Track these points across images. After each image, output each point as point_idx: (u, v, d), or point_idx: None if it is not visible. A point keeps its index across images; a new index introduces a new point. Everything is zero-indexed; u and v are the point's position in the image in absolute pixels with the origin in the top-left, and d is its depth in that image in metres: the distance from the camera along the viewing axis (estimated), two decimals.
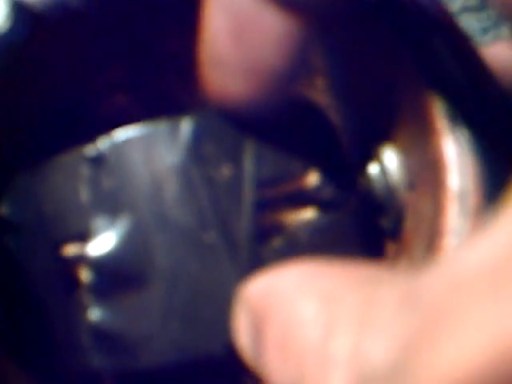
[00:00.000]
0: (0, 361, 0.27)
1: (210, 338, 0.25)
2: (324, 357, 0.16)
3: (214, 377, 0.26)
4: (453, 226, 0.26)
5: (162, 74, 0.29)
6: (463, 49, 0.27)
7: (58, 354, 0.26)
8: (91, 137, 0.26)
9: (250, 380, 0.25)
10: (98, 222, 0.25)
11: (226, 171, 0.25)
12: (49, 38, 0.27)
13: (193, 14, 0.25)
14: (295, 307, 0.18)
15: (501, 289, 0.13)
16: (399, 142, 0.28)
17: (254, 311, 0.20)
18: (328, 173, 0.27)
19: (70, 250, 0.26)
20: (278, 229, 0.26)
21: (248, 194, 0.25)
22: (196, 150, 0.25)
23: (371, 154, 0.29)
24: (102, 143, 0.26)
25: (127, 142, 0.26)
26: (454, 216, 0.26)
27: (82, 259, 0.26)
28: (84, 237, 0.26)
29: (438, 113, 0.27)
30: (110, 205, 0.25)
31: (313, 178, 0.26)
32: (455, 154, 0.26)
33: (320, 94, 0.29)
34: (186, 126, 0.26)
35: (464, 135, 0.26)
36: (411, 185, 0.28)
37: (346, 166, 0.28)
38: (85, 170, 0.26)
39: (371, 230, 0.29)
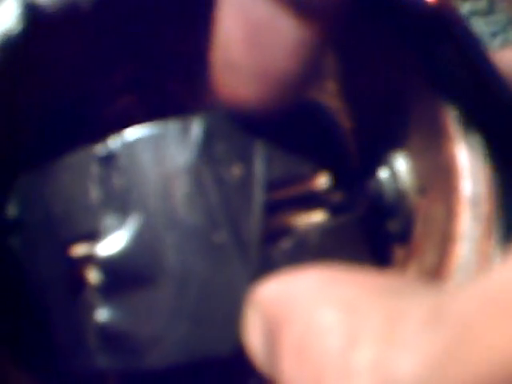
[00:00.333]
0: (3, 361, 0.26)
1: (218, 340, 0.25)
2: (345, 368, 0.16)
3: (221, 379, 0.26)
4: (465, 232, 0.26)
5: (167, 76, 0.29)
6: (475, 54, 0.27)
7: (64, 355, 0.26)
8: (99, 137, 0.26)
9: (258, 383, 0.25)
10: (108, 221, 0.25)
11: (236, 171, 0.25)
12: (56, 39, 0.27)
13: (201, 16, 0.25)
14: (314, 314, 0.17)
15: None
16: (411, 147, 0.28)
17: (268, 316, 0.20)
18: (338, 176, 0.27)
19: (79, 250, 0.26)
20: (288, 230, 0.26)
21: (258, 194, 0.25)
22: (206, 150, 0.25)
23: (382, 159, 0.29)
24: (113, 142, 0.26)
25: (137, 142, 0.26)
26: (467, 221, 0.26)
27: (90, 259, 0.26)
28: (93, 236, 0.25)
29: (451, 118, 0.27)
30: (120, 204, 0.25)
31: (322, 181, 0.26)
32: (468, 160, 0.26)
33: (331, 97, 0.29)
34: (196, 125, 0.25)
35: (476, 141, 0.26)
36: (422, 190, 0.28)
37: (355, 170, 0.28)
38: (94, 169, 0.26)
39: (380, 233, 0.28)
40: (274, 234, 0.26)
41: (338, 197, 0.27)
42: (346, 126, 0.29)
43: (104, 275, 0.25)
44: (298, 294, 0.19)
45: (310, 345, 0.17)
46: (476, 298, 0.14)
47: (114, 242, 0.25)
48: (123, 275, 0.25)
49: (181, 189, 0.25)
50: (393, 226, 0.29)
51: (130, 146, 0.26)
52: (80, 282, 0.26)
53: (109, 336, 0.25)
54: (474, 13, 0.44)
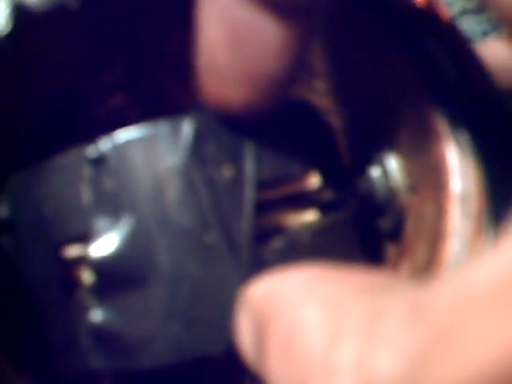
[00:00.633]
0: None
1: (211, 340, 0.25)
2: (328, 365, 0.16)
3: (214, 379, 0.26)
4: (455, 229, 0.26)
5: (160, 75, 0.29)
6: (462, 53, 0.27)
7: (58, 356, 0.26)
8: (91, 137, 0.26)
9: (251, 382, 0.25)
10: (100, 222, 0.25)
11: (226, 172, 0.25)
12: (46, 39, 0.27)
13: (192, 15, 0.25)
14: (299, 312, 0.17)
15: (508, 305, 0.13)
16: (401, 145, 0.28)
17: (257, 314, 0.20)
18: (328, 175, 0.27)
19: (71, 251, 0.26)
20: (279, 230, 0.26)
21: (248, 194, 0.25)
22: (196, 151, 0.25)
23: (373, 158, 0.29)
24: (103, 144, 0.26)
25: (128, 143, 0.26)
26: (457, 219, 0.26)
27: (83, 261, 0.26)
28: (85, 238, 0.25)
29: (439, 117, 0.27)
30: (112, 206, 0.25)
31: (313, 181, 0.26)
32: (457, 158, 0.26)
33: (320, 97, 0.29)
34: (186, 127, 0.26)
35: (465, 139, 0.26)
36: (413, 188, 0.28)
37: (346, 169, 0.28)
38: (86, 171, 0.26)
39: (371, 231, 0.29)
40: (265, 234, 0.26)
41: (328, 196, 0.27)
42: (336, 126, 0.29)
43: (97, 276, 0.25)
44: (285, 292, 0.19)
45: (295, 342, 0.17)
46: (456, 294, 0.14)
47: (106, 244, 0.25)
48: (116, 276, 0.25)
49: (172, 190, 0.25)
50: (384, 224, 0.29)
51: (120, 148, 0.26)
52: (73, 283, 0.26)
53: (102, 336, 0.25)
54: (465, 11, 0.44)
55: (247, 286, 0.21)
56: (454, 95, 0.27)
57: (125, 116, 0.29)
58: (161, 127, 0.26)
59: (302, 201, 0.26)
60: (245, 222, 0.25)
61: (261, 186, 0.26)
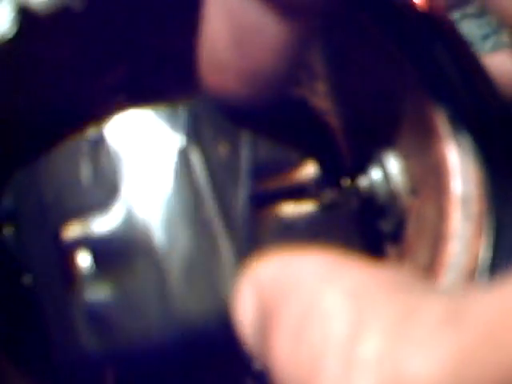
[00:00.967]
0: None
1: (204, 313, 0.25)
2: (347, 356, 0.15)
3: (210, 356, 0.26)
4: (456, 231, 0.26)
5: (160, 76, 0.29)
6: (464, 56, 0.27)
7: (57, 345, 0.26)
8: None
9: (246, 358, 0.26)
10: (97, 200, 0.26)
11: (222, 149, 0.26)
12: (49, 41, 0.27)
13: (193, 15, 0.25)
14: (318, 297, 0.17)
15: None
16: (402, 147, 0.28)
17: (265, 295, 0.19)
18: (325, 168, 0.27)
19: (70, 232, 0.26)
20: (276, 218, 0.26)
21: (244, 172, 0.26)
22: (194, 131, 0.26)
23: (373, 159, 0.29)
24: (103, 126, 0.26)
25: (127, 125, 0.26)
26: (458, 221, 0.26)
27: (81, 242, 0.26)
28: (84, 217, 0.26)
29: (441, 119, 0.27)
30: (109, 183, 0.26)
31: (309, 170, 0.27)
32: (458, 160, 0.27)
33: (321, 98, 0.29)
34: (184, 111, 0.26)
35: (466, 141, 0.27)
36: (414, 190, 0.28)
37: (345, 165, 0.29)
38: (85, 153, 0.26)
39: (372, 233, 0.29)
40: (260, 214, 0.26)
41: (329, 194, 0.27)
42: (336, 126, 0.29)
43: (93, 254, 0.25)
44: (300, 276, 0.18)
45: (310, 328, 0.16)
46: (498, 304, 0.14)
47: (103, 221, 0.26)
48: (112, 253, 0.25)
49: (168, 166, 0.26)
50: (385, 225, 0.29)
51: (119, 130, 0.26)
52: (72, 271, 0.26)
53: (97, 316, 0.25)
54: (466, 15, 0.44)
55: (250, 265, 0.20)
56: (456, 97, 0.27)
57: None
58: (160, 111, 0.26)
59: (298, 191, 0.27)
60: (240, 198, 0.26)
61: (256, 172, 0.26)
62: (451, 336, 0.14)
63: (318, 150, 0.27)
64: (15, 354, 0.27)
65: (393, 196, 0.28)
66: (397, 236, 0.29)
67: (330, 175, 0.27)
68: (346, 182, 0.28)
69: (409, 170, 0.28)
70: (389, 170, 0.29)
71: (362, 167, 0.29)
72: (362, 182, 0.29)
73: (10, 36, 0.27)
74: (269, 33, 0.23)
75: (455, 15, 0.43)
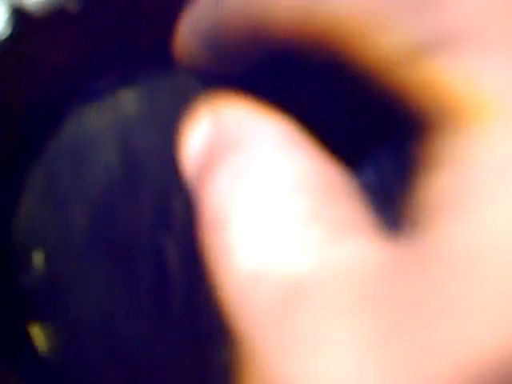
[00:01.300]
0: None
1: None
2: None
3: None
4: None
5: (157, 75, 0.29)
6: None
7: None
8: None
9: None
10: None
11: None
12: (44, 42, 0.28)
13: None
14: (257, 163, 0.17)
15: None
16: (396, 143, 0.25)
17: (220, 138, 0.19)
18: None
19: None
20: None
21: None
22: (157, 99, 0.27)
23: (367, 156, 0.25)
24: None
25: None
26: None
27: None
28: None
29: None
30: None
31: None
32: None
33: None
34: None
35: None
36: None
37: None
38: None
39: None
40: None
41: None
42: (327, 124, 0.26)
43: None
44: (257, 140, 0.18)
45: (239, 187, 0.17)
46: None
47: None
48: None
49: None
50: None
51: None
52: None
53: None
54: None
55: (214, 101, 0.20)
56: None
57: None
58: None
59: None
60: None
61: None
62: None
63: None
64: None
65: (386, 192, 0.24)
66: None
67: None
68: None
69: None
70: (382, 166, 0.25)
71: (354, 163, 0.25)
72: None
73: (5, 37, 0.27)
74: None
75: None
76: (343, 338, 0.14)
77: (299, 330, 0.14)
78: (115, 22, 0.28)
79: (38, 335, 0.26)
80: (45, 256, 0.27)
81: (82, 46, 0.28)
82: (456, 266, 0.14)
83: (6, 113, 0.28)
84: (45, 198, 0.27)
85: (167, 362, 0.26)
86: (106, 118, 0.27)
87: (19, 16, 0.27)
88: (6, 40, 0.27)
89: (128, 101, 0.27)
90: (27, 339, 0.26)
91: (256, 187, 0.16)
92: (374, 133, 0.26)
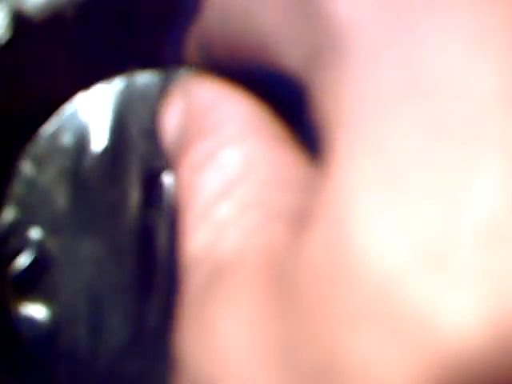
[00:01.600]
0: None
1: None
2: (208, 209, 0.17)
3: None
4: None
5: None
6: None
7: None
8: None
9: None
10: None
11: None
12: (44, 46, 0.28)
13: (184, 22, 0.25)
14: (220, 149, 0.18)
15: None
16: None
17: (192, 115, 0.19)
18: None
19: None
20: None
21: None
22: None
23: None
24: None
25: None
26: None
27: None
28: None
29: None
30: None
31: None
32: None
33: None
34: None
35: None
36: None
37: None
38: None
39: None
40: None
41: None
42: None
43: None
44: (223, 118, 0.18)
45: (203, 171, 0.18)
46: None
47: None
48: None
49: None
50: None
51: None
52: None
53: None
54: None
55: (187, 81, 0.21)
56: None
57: None
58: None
59: None
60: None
61: None
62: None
63: None
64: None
65: None
66: None
67: None
68: None
69: None
70: None
71: None
72: None
73: (4, 41, 0.27)
74: None
75: None
76: (241, 314, 0.15)
77: (207, 311, 0.15)
78: (114, 26, 0.28)
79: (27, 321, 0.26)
80: (34, 238, 0.26)
81: (81, 50, 0.28)
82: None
83: (3, 115, 0.27)
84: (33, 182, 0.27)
85: (152, 343, 0.26)
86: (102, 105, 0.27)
87: (18, 20, 0.27)
88: (5, 44, 0.27)
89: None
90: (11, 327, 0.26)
91: (214, 173, 0.17)
92: None
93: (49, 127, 0.28)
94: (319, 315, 0.14)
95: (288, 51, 0.17)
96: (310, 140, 0.18)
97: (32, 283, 0.26)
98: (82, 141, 0.27)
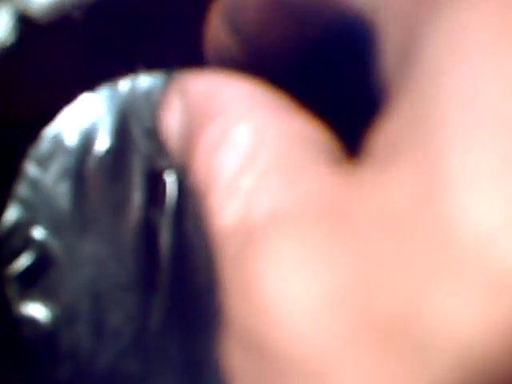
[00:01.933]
0: None
1: None
2: (232, 184, 0.17)
3: None
4: None
5: None
6: None
7: None
8: None
9: None
10: None
11: None
12: (49, 48, 0.28)
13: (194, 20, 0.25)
14: (231, 127, 0.18)
15: None
16: None
17: (194, 107, 0.19)
18: None
19: None
20: None
21: None
22: None
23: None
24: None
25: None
26: None
27: None
28: None
29: None
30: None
31: None
32: None
33: None
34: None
35: None
36: None
37: None
38: None
39: None
40: None
41: None
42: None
43: None
44: (226, 100, 0.18)
45: (220, 153, 0.17)
46: None
47: None
48: None
49: None
50: None
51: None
52: None
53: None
54: None
55: (179, 77, 0.21)
56: None
57: None
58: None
59: None
60: None
61: None
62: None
63: None
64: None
65: None
66: None
67: None
68: None
69: None
70: None
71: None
72: None
73: (10, 43, 0.27)
74: None
75: None
76: (293, 262, 0.15)
77: (251, 270, 0.15)
78: (120, 28, 0.28)
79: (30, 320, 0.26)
80: (37, 237, 0.26)
81: (87, 52, 0.28)
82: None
83: (8, 117, 0.28)
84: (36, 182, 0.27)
85: (154, 344, 0.25)
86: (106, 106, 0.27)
87: (24, 22, 0.27)
88: (10, 46, 0.27)
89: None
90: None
91: (230, 151, 0.17)
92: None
93: (53, 128, 0.28)
94: (397, 262, 0.14)
95: None
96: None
97: (34, 282, 0.26)
98: (85, 141, 0.27)
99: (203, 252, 0.26)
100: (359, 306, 0.14)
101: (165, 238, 0.26)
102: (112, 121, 0.27)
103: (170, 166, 0.26)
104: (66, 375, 0.25)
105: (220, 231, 0.17)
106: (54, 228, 0.26)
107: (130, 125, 0.27)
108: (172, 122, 0.20)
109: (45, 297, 0.26)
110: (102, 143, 0.27)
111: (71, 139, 0.27)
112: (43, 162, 0.27)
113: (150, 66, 0.28)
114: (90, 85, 0.28)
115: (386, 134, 0.15)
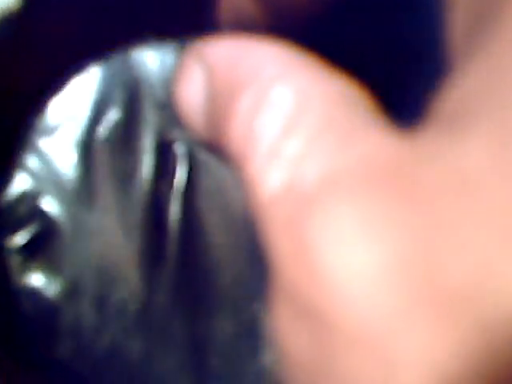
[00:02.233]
0: None
1: None
2: (275, 148, 0.16)
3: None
4: None
5: None
6: None
7: None
8: None
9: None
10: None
11: None
12: (55, 18, 0.27)
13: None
14: (270, 90, 0.17)
15: None
16: None
17: (219, 77, 0.18)
18: None
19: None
20: None
21: None
22: None
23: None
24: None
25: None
26: None
27: None
28: None
29: None
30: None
31: None
32: None
33: None
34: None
35: None
36: None
37: None
38: None
39: None
40: None
41: None
42: None
43: None
44: (256, 65, 0.18)
45: (259, 117, 0.17)
46: None
47: None
48: None
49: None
50: None
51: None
52: None
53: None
54: None
55: (196, 45, 0.20)
56: None
57: None
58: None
59: None
60: None
61: None
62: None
63: None
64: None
65: None
66: None
67: None
68: None
69: None
70: None
71: None
72: None
73: (17, 9, 0.27)
74: None
75: None
76: (356, 229, 0.14)
77: (306, 235, 0.15)
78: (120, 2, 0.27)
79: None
80: (43, 208, 0.26)
81: (94, 18, 0.27)
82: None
83: (14, 86, 0.27)
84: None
85: (158, 323, 0.25)
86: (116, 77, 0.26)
87: None
88: (18, 12, 0.27)
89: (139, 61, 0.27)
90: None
91: (271, 114, 0.17)
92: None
93: (61, 98, 0.27)
94: (471, 228, 0.13)
95: None
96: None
97: (38, 253, 0.25)
98: (94, 112, 0.27)
99: (217, 229, 0.25)
100: (425, 274, 0.13)
101: (173, 212, 0.25)
102: (122, 92, 0.26)
103: (182, 139, 0.26)
104: (67, 353, 0.25)
105: (265, 196, 0.16)
106: (60, 199, 0.26)
107: (141, 96, 0.26)
108: (193, 96, 0.19)
109: (48, 269, 0.25)
110: (112, 114, 0.26)
111: (79, 110, 0.27)
112: (51, 133, 0.26)
113: (159, 33, 0.27)
114: (100, 54, 0.27)
115: (456, 100, 0.15)
